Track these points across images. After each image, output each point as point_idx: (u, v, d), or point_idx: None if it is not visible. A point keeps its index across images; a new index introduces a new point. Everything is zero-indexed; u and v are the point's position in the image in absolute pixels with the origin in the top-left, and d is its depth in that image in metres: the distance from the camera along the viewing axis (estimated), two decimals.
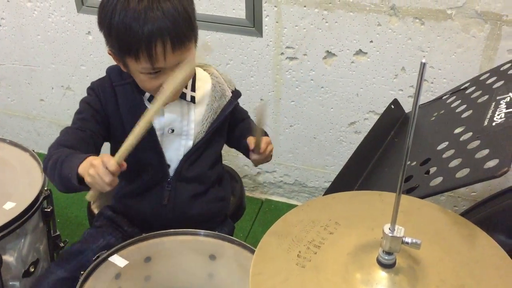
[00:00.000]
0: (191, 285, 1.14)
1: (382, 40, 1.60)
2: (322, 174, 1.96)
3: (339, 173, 1.17)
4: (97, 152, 1.13)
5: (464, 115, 1.09)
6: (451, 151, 0.97)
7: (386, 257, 0.70)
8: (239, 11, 1.70)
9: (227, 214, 1.34)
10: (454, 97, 1.22)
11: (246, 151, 1.24)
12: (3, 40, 2.05)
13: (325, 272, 0.73)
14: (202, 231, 1.13)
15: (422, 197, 0.89)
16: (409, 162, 1.07)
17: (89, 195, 0.97)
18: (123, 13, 0.99)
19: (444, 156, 0.97)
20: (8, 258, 1.14)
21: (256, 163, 1.21)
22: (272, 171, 2.03)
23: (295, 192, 2.06)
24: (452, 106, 1.19)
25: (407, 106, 1.47)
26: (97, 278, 1.02)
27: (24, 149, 1.35)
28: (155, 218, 1.22)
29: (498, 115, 0.97)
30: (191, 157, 1.19)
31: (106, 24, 1.03)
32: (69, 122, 2.16)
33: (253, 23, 1.71)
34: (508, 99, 1.00)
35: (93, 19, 1.85)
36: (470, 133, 0.98)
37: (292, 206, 2.07)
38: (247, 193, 2.07)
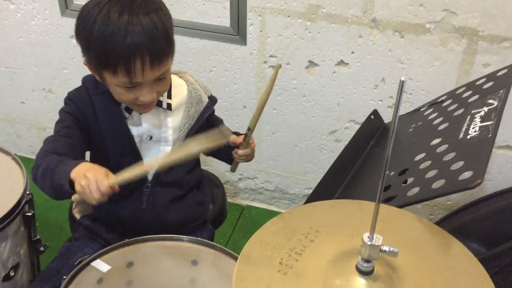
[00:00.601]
0: None
1: (363, 51, 1.63)
2: (303, 181, 1.99)
3: (319, 181, 1.20)
4: (83, 157, 1.14)
5: (441, 127, 1.12)
6: (428, 162, 1.00)
7: (365, 265, 0.73)
8: (223, 19, 1.72)
9: (207, 219, 1.36)
10: (432, 109, 1.27)
11: (226, 155, 1.27)
12: None
13: (306, 278, 0.75)
14: (184, 237, 1.14)
15: (400, 207, 0.92)
16: (387, 172, 1.10)
17: (75, 197, 0.98)
18: (103, 26, 0.98)
19: (421, 167, 1.01)
20: None
21: (240, 161, 1.24)
22: (253, 177, 2.05)
23: (275, 198, 2.09)
24: (429, 118, 1.22)
25: (386, 116, 1.51)
26: (80, 283, 1.02)
27: (6, 153, 1.35)
28: (134, 222, 1.23)
29: (472, 128, 1.01)
30: None
31: (85, 36, 1.02)
32: (49, 125, 2.15)
33: (237, 31, 1.73)
34: (482, 113, 1.04)
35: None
36: (446, 145, 1.01)
37: (272, 213, 2.10)
38: (228, 199, 2.08)
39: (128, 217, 1.22)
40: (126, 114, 1.15)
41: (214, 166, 2.01)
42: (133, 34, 0.97)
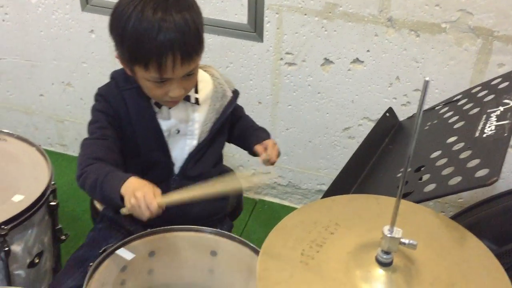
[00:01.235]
0: (192, 280, 1.19)
1: (378, 50, 1.66)
2: (316, 176, 2.02)
3: (336, 177, 1.23)
4: (122, 157, 1.17)
5: (456, 125, 1.15)
6: (444, 160, 1.03)
7: (384, 256, 0.76)
8: (241, 16, 1.75)
9: (226, 213, 1.39)
10: (447, 108, 1.29)
11: (249, 151, 1.31)
12: (6, 35, 2.08)
13: (327, 269, 0.78)
14: (205, 228, 1.18)
15: (417, 202, 0.95)
16: (403, 169, 1.13)
17: (123, 210, 1.03)
18: (137, 22, 1.01)
19: (437, 164, 1.03)
20: (16, 248, 1.18)
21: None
22: (267, 172, 2.08)
23: (288, 193, 2.12)
24: (444, 116, 1.25)
25: (401, 114, 1.54)
26: (105, 270, 1.06)
27: (31, 144, 1.39)
28: (158, 215, 1.26)
29: (488, 127, 1.04)
30: (195, 156, 1.24)
31: (119, 31, 1.05)
32: (67, 117, 2.19)
33: (254, 28, 1.76)
34: (498, 112, 1.07)
35: (97, 18, 1.91)
36: (462, 143, 1.04)
37: (285, 207, 2.13)
38: None
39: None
40: (156, 109, 1.18)
41: (229, 160, 2.04)
42: (166, 31, 1.01)
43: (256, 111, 1.92)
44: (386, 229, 0.74)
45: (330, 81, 1.77)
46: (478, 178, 0.89)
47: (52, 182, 1.28)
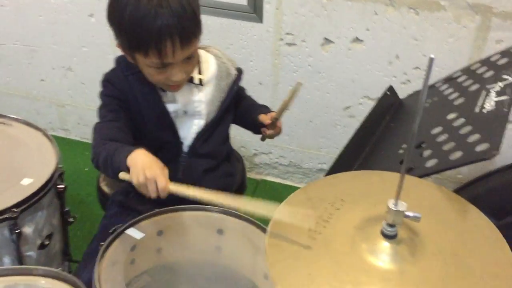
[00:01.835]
0: (200, 257, 1.22)
1: (378, 28, 1.67)
2: (317, 156, 2.04)
3: (338, 155, 1.26)
4: (133, 138, 1.19)
5: (456, 102, 1.17)
6: (445, 135, 1.05)
7: (389, 229, 0.79)
8: None
9: (232, 191, 1.42)
10: (447, 85, 1.31)
11: (254, 128, 1.33)
12: (4, 20, 2.07)
13: (334, 243, 0.81)
14: (211, 207, 1.20)
15: (419, 177, 0.98)
16: (404, 145, 1.16)
17: (123, 176, 1.05)
18: (133, 10, 1.03)
19: (438, 140, 1.06)
20: (27, 230, 1.20)
21: (268, 137, 1.30)
22: (268, 152, 2.11)
23: (289, 173, 2.15)
24: (445, 93, 1.27)
25: (400, 92, 1.55)
26: (115, 250, 1.09)
27: (37, 128, 1.41)
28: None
29: (488, 103, 1.06)
30: (204, 135, 1.26)
31: (117, 20, 1.08)
32: (69, 102, 2.20)
33: (254, 9, 1.76)
34: (498, 88, 1.09)
35: (96, 1, 1.91)
36: (463, 119, 1.06)
37: (286, 186, 2.16)
38: None
39: None
40: (161, 92, 1.20)
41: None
42: (163, 16, 1.02)
43: (257, 91, 1.92)
44: (391, 202, 0.77)
45: (330, 61, 1.78)
46: (479, 153, 0.91)
47: (60, 166, 1.30)
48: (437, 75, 1.66)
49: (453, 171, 1.87)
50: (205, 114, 1.25)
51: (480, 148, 0.92)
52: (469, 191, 1.63)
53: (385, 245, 0.80)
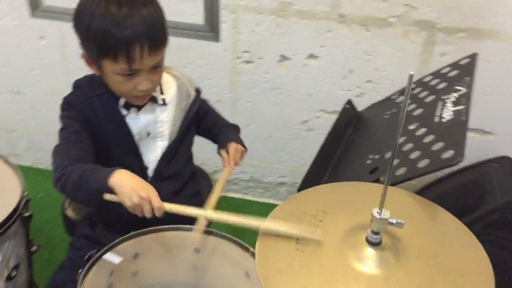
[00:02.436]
0: (178, 278, 1.21)
1: (332, 45, 1.74)
2: (277, 170, 2.08)
3: (308, 170, 1.30)
4: (97, 161, 1.17)
5: (415, 113, 1.25)
6: (410, 145, 1.12)
7: (374, 237, 0.83)
8: (197, 17, 1.78)
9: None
10: (403, 97, 1.38)
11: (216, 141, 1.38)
12: None
13: (322, 254, 0.84)
14: (186, 226, 1.20)
15: (390, 185, 1.03)
16: (372, 156, 1.22)
17: (109, 197, 1.04)
18: (102, 19, 1.04)
19: (404, 149, 1.12)
20: None
21: None
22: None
23: (250, 188, 2.17)
24: (402, 105, 1.34)
25: (355, 105, 1.63)
26: (94, 277, 1.07)
27: None
28: (136, 218, 1.27)
29: (446, 112, 1.14)
30: (168, 156, 1.27)
31: (84, 29, 1.07)
32: (18, 126, 2.13)
33: (211, 28, 1.79)
34: (453, 98, 1.17)
35: (46, 24, 1.87)
36: (424, 129, 1.14)
37: (247, 201, 2.18)
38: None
39: (130, 214, 1.26)
40: (125, 112, 1.20)
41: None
42: (133, 24, 1.04)
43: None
44: (375, 211, 0.81)
45: (287, 77, 1.84)
46: (445, 160, 0.98)
47: (25, 193, 1.26)
48: (389, 88, 1.76)
49: None
50: (167, 135, 1.26)
51: (445, 155, 0.99)
52: (425, 196, 1.72)
53: (370, 252, 0.84)
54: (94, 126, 1.18)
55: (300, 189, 1.20)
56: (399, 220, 0.82)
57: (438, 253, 0.85)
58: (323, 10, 1.69)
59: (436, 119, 1.14)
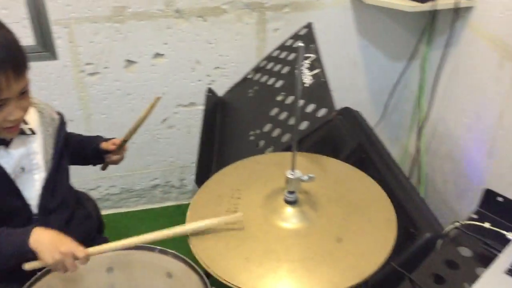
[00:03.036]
0: None
1: (174, 40, 1.79)
2: (147, 174, 2.07)
3: (197, 161, 1.35)
4: None
5: (277, 84, 1.37)
6: (285, 113, 1.24)
7: (291, 196, 0.93)
8: (27, 39, 1.66)
9: (95, 231, 1.38)
10: (259, 74, 1.51)
11: (94, 159, 1.36)
12: None
13: (250, 223, 0.92)
14: (96, 248, 1.16)
15: (281, 151, 1.14)
16: (253, 132, 1.31)
17: (30, 265, 0.99)
18: None
19: (281, 118, 1.24)
20: None
21: (112, 163, 1.32)
22: (97, 187, 2.05)
23: (123, 200, 2.13)
24: (261, 81, 1.47)
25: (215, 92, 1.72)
26: None
27: None
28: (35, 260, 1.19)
29: (306, 78, 1.28)
30: (49, 187, 1.20)
31: None
32: None
33: (44, 47, 1.69)
34: (307, 65, 1.32)
35: None
36: (292, 96, 1.27)
37: (124, 214, 2.13)
38: None
39: (28, 259, 1.17)
40: None
41: None
42: None
43: (69, 129, 1.85)
44: (288, 173, 0.91)
45: (137, 80, 1.84)
46: (321, 117, 1.12)
47: None
48: (236, 70, 1.87)
49: None
50: (43, 165, 1.19)
51: (320, 113, 1.13)
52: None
53: (290, 210, 0.94)
54: None
55: (198, 180, 1.24)
56: (310, 175, 0.92)
57: (343, 195, 0.98)
58: (159, 8, 1.72)
59: (299, 86, 1.27)
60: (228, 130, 1.44)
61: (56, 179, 1.21)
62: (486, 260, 0.89)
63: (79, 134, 1.41)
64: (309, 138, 1.94)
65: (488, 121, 1.57)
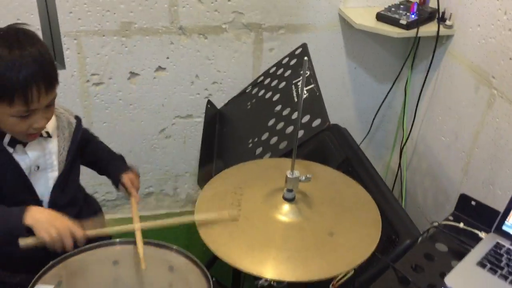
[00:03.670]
0: None
1: (176, 55, 1.91)
2: (143, 181, 2.16)
3: (198, 166, 1.45)
4: None
5: (275, 98, 1.49)
6: (282, 123, 1.36)
7: (289, 194, 1.04)
8: None
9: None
10: (257, 88, 1.63)
11: (111, 179, 1.45)
12: None
13: (252, 217, 1.02)
14: (103, 242, 1.24)
15: (279, 157, 1.25)
16: (251, 140, 1.42)
17: (26, 241, 1.03)
18: None
19: (278, 128, 1.35)
20: None
21: None
22: (94, 192, 2.13)
23: (118, 206, 2.21)
24: (259, 95, 1.58)
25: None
26: None
27: None
28: (41, 254, 1.26)
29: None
30: (60, 185, 1.29)
31: None
32: None
33: (54, 57, 1.79)
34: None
35: None
36: (289, 108, 1.38)
37: (118, 220, 2.20)
38: None
39: (34, 252, 1.24)
40: (10, 150, 1.19)
41: None
42: (27, 65, 1.05)
43: None
44: (288, 173, 1.02)
45: (139, 92, 1.94)
46: (316, 127, 1.24)
47: None
48: (233, 85, 1.99)
49: None
50: (56, 165, 1.28)
51: (315, 123, 1.24)
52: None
53: (288, 207, 1.04)
54: None
55: (200, 181, 1.34)
56: (307, 176, 1.03)
57: (335, 197, 1.10)
58: (163, 25, 1.84)
59: (296, 99, 1.40)
60: (227, 139, 1.55)
61: (67, 178, 1.30)
62: (460, 255, 1.01)
63: (102, 144, 1.49)
64: (300, 150, 2.07)
65: (464, 140, 1.72)
